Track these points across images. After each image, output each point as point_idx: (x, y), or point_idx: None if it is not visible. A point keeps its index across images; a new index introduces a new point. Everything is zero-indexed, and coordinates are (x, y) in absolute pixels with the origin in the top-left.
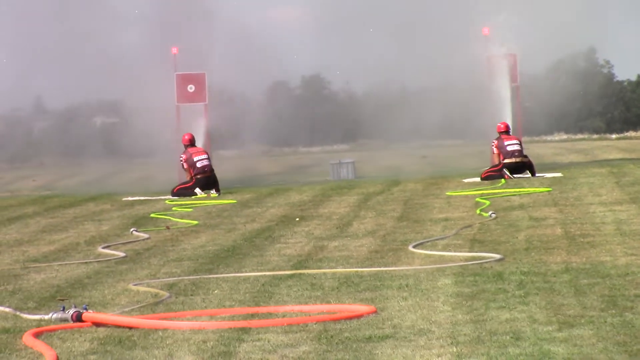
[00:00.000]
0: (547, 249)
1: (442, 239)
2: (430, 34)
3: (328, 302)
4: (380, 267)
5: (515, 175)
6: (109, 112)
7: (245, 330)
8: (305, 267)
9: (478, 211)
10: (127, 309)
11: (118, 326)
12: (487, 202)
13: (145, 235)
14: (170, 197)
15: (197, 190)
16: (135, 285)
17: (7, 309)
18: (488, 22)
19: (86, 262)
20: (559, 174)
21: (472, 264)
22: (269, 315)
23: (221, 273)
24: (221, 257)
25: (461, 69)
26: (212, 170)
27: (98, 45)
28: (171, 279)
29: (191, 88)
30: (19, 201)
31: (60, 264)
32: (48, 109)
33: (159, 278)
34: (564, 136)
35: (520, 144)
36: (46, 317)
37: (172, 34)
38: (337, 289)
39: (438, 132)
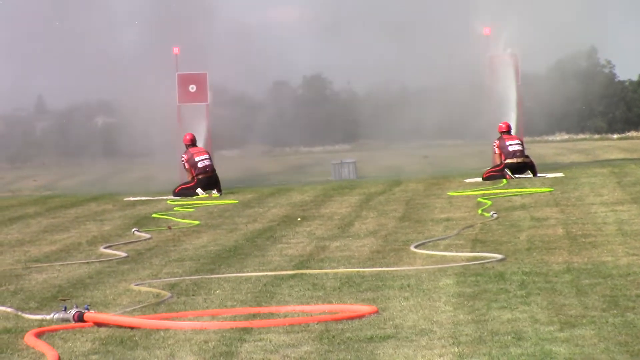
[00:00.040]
0: (548, 249)
1: (443, 239)
2: (431, 34)
3: (330, 302)
4: (381, 267)
5: (516, 176)
6: (109, 112)
7: (247, 330)
8: (307, 267)
9: (480, 211)
10: (128, 309)
11: (120, 326)
12: (489, 202)
13: (147, 236)
14: (172, 197)
15: (199, 190)
16: (137, 285)
17: (9, 309)
18: (489, 22)
19: (88, 262)
20: (560, 174)
21: (474, 264)
22: (270, 315)
23: (223, 273)
24: (223, 257)
25: (462, 69)
26: (213, 171)
27: (99, 45)
28: (173, 279)
29: (192, 88)
30: (20, 201)
31: (62, 264)
32: (49, 109)
33: (160, 278)
34: (566, 136)
35: (521, 144)
36: (48, 317)
37: (173, 34)
38: (339, 289)
39: (439, 132)
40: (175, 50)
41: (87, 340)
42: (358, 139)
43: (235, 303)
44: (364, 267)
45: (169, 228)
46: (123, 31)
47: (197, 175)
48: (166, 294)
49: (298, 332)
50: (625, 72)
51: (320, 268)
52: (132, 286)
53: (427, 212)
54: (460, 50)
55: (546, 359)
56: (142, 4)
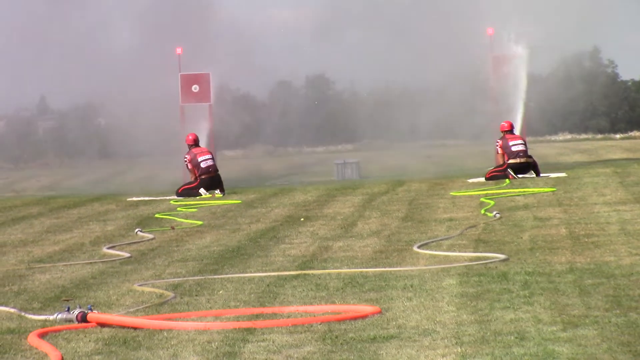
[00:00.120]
0: (551, 249)
1: (446, 239)
2: (434, 34)
3: (333, 303)
4: (384, 268)
5: (519, 176)
6: (112, 113)
7: (250, 330)
8: (310, 268)
9: (482, 211)
10: (132, 310)
11: (123, 327)
12: (492, 202)
13: (150, 236)
14: (175, 197)
15: (202, 190)
16: (140, 285)
17: (12, 310)
18: (492, 22)
19: (91, 263)
20: (563, 174)
21: (477, 264)
22: (273, 315)
23: (226, 273)
24: (226, 258)
25: (465, 69)
26: (216, 171)
27: (101, 45)
28: (176, 280)
29: (195, 88)
30: (24, 201)
31: (65, 265)
32: (52, 109)
33: (163, 278)
34: (568, 136)
35: (524, 144)
36: (51, 317)
37: (176, 34)
38: (342, 290)
39: (442, 132)
40: (178, 50)
41: (90, 341)
42: (361, 139)
43: (238, 303)
44: (367, 268)
45: (172, 228)
46: (126, 31)
47: (200, 175)
48: (169, 294)
49: (301, 333)
50: (628, 72)
51: (324, 268)
52: (135, 286)
53: (430, 212)
54: (463, 50)
55: (549, 359)
56: (145, 4)
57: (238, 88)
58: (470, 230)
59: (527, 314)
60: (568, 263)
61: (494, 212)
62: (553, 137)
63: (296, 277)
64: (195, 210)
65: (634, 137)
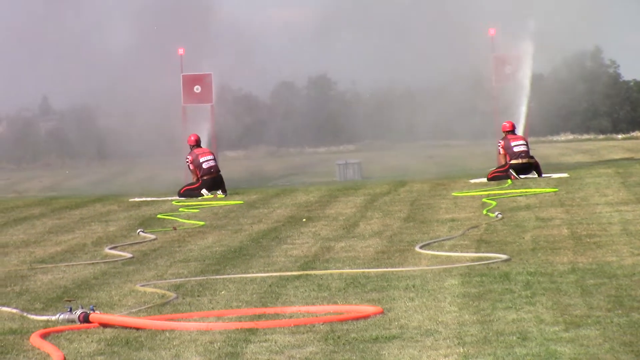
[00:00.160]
0: (553, 249)
1: (448, 239)
2: (436, 35)
3: (335, 303)
4: (387, 268)
5: (521, 176)
6: (114, 113)
7: (252, 331)
8: (312, 268)
9: (484, 212)
10: (134, 310)
11: (125, 327)
12: (494, 203)
13: (152, 236)
14: (177, 198)
15: (204, 191)
16: (142, 286)
17: (15, 310)
18: (494, 22)
19: (93, 263)
20: (565, 175)
21: (479, 264)
22: (276, 316)
23: (228, 274)
24: (228, 258)
25: (467, 70)
26: (218, 171)
27: (103, 45)
28: (178, 280)
29: (197, 89)
30: (26, 202)
31: (67, 265)
32: (54, 109)
33: (165, 279)
34: (570, 136)
35: (526, 144)
36: (53, 318)
37: (178, 34)
38: (344, 290)
39: (444, 133)
40: (180, 51)
41: (92, 341)
42: (363, 139)
43: (240, 304)
44: (369, 268)
45: (174, 229)
46: (127, 32)
47: (201, 176)
48: (171, 294)
49: (303, 333)
50: (630, 72)
51: (326, 269)
52: (138, 287)
53: (432, 212)
54: (464, 51)
55: (551, 359)
56: (146, 4)
57: (240, 88)
58: (472, 231)
59: (529, 314)
60: (570, 263)
61: (496, 213)
62: (555, 138)
63: (298, 277)
64: (197, 210)
65: (636, 138)
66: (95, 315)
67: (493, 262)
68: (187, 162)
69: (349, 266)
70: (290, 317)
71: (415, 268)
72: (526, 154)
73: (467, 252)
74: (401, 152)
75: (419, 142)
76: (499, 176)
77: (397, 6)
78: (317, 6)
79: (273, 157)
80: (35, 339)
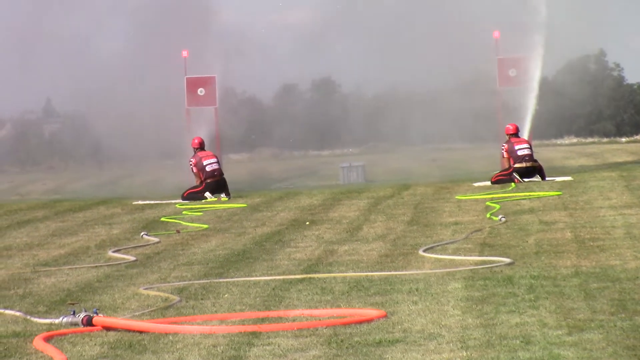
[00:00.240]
0: (557, 252)
1: (452, 243)
2: (440, 37)
3: (338, 307)
4: (390, 272)
5: (525, 179)
6: (117, 116)
7: (255, 334)
8: (316, 271)
9: (488, 215)
10: (137, 313)
11: (128, 330)
12: (497, 206)
13: (156, 239)
14: (181, 201)
15: (207, 194)
16: (145, 289)
17: (18, 313)
18: (499, 25)
19: (96, 266)
20: (569, 178)
21: (482, 268)
22: (279, 319)
23: (231, 277)
24: (231, 261)
25: (471, 73)
26: (221, 174)
27: (105, 48)
28: (181, 283)
29: (201, 91)
30: (29, 205)
31: (70, 268)
32: (58, 112)
33: (169, 282)
34: (574, 140)
35: (530, 148)
36: (56, 321)
37: (182, 37)
38: (347, 293)
39: (448, 136)
40: (184, 53)
41: (95, 344)
42: (367, 142)
43: (243, 307)
44: (372, 271)
45: (178, 232)
46: (131, 34)
47: (205, 179)
48: (175, 298)
49: (306, 337)
50: (634, 75)
51: (329, 272)
52: (141, 290)
53: (435, 216)
54: (469, 53)
55: None
56: (152, 7)
57: (244, 91)
58: (475, 234)
59: (532, 317)
60: (573, 267)
61: (500, 216)
62: (559, 141)
63: (301, 280)
64: (200, 213)
65: None
66: (99, 319)
67: (496, 266)
68: (191, 165)
69: (352, 269)
70: (294, 320)
71: (419, 271)
72: (530, 157)
73: (471, 255)
74: (405, 155)
75: (423, 145)
76: (502, 179)
77: (401, 9)
78: (321, 9)
79: (277, 160)
80: (38, 342)
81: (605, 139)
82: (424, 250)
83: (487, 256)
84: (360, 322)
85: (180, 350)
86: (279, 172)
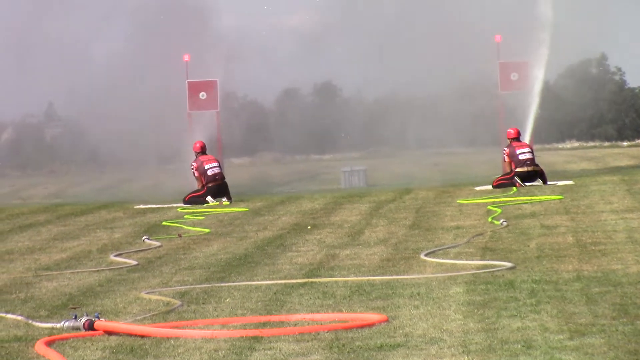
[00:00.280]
0: (558, 257)
1: (453, 247)
2: (442, 41)
3: (340, 311)
4: (391, 276)
5: (526, 184)
6: (119, 119)
7: (257, 339)
8: (317, 276)
9: (490, 219)
10: (139, 318)
11: (130, 335)
12: (499, 210)
13: (157, 244)
14: (182, 205)
15: (209, 198)
16: (147, 293)
17: (19, 317)
18: (500, 29)
19: (98, 270)
20: (570, 182)
21: (484, 272)
22: (280, 323)
23: (233, 281)
24: (233, 266)
25: (473, 76)
26: (223, 178)
27: (107, 51)
28: (183, 287)
29: (203, 95)
30: (31, 209)
31: (72, 272)
32: (59, 115)
33: (170, 286)
34: (576, 144)
35: (531, 152)
36: (58, 325)
37: (183, 41)
38: (349, 298)
39: (449, 140)
40: (186, 57)
41: (97, 349)
42: (368, 146)
43: (245, 311)
44: (374, 276)
45: (180, 236)
46: (132, 38)
47: (207, 183)
48: (176, 302)
49: (308, 341)
50: (636, 79)
51: (331, 276)
52: (143, 294)
53: (437, 220)
54: (470, 57)
55: None
56: (152, 12)
57: (246, 95)
58: (477, 238)
59: (534, 322)
60: (575, 271)
61: (501, 220)
62: (560, 145)
63: (303, 285)
64: (202, 217)
65: None
66: (100, 323)
67: (498, 270)
68: (192, 169)
69: (354, 274)
70: (295, 325)
71: (420, 276)
72: (531, 161)
73: (472, 259)
74: (406, 160)
75: (424, 149)
76: (504, 184)
77: (402, 13)
78: (322, 13)
79: (278, 164)
80: (40, 347)
81: (606, 143)
82: (426, 255)
83: (488, 260)
84: (362, 327)
85: (181, 355)
86: (280, 176)
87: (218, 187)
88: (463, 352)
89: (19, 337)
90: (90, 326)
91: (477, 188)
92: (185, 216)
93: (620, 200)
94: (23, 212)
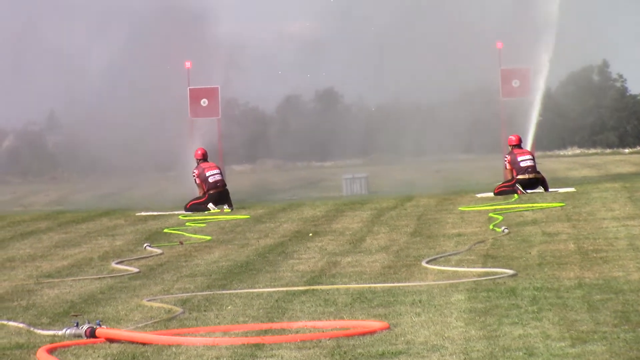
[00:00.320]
0: (560, 264)
1: (455, 254)
2: (443, 48)
3: (341, 318)
4: (393, 283)
5: (528, 191)
6: (120, 127)
7: (258, 346)
8: (319, 283)
9: (491, 226)
10: (140, 325)
11: (131, 342)
12: (500, 218)
13: (159, 251)
14: (184, 212)
15: (210, 205)
16: (148, 300)
17: (21, 325)
18: (501, 36)
19: (99, 278)
20: (572, 189)
21: (485, 279)
22: (282, 331)
23: (234, 289)
24: (234, 273)
25: (474, 83)
26: (224, 185)
27: (109, 59)
28: (184, 295)
29: (204, 102)
30: (32, 216)
31: (73, 280)
32: (60, 123)
33: (172, 294)
34: (577, 150)
35: (533, 159)
36: (60, 332)
37: (184, 48)
38: (351, 305)
39: (451, 147)
40: (187, 64)
41: (99, 356)
42: (370, 153)
43: (247, 319)
44: (375, 283)
45: (181, 243)
46: (133, 44)
47: (208, 190)
48: (178, 309)
49: (310, 348)
50: (637, 86)
51: (332, 284)
52: (144, 302)
53: (438, 227)
54: (472, 64)
55: None
56: (154, 19)
57: (247, 102)
58: (478, 246)
59: (535, 329)
60: (576, 278)
61: (503, 228)
62: (562, 152)
63: (305, 292)
64: (203, 225)
65: None
66: (102, 330)
67: (499, 277)
68: (194, 176)
69: (355, 281)
70: (297, 332)
71: (422, 283)
72: (533, 169)
73: (474, 267)
74: (408, 167)
75: (426, 156)
76: (505, 191)
77: (403, 20)
78: (323, 19)
79: (280, 171)
80: (41, 354)
81: (608, 150)
82: (427, 262)
83: (490, 267)
84: (364, 334)
85: None
86: (281, 183)
87: (219, 194)
88: (465, 359)
89: (21, 345)
90: (91, 333)
91: (479, 195)
92: (187, 223)
93: (622, 208)
94: (24, 219)
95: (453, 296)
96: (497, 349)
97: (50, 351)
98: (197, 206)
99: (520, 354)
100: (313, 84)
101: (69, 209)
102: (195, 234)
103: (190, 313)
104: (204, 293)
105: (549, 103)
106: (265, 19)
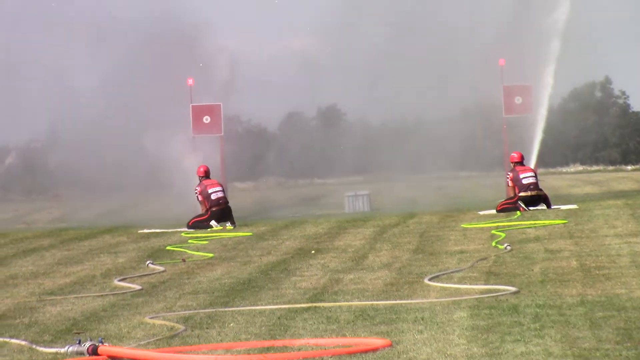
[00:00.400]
0: (562, 281)
1: (457, 271)
2: (446, 66)
3: (344, 336)
4: (395, 300)
5: (530, 208)
6: (122, 144)
7: None
8: (321, 300)
9: (493, 244)
10: (142, 342)
11: None
12: (503, 235)
13: (161, 268)
14: (186, 229)
15: (213, 222)
16: (151, 318)
17: (23, 342)
18: (504, 53)
19: (102, 295)
20: (574, 206)
21: (488, 296)
22: (284, 348)
23: (237, 306)
24: (237, 290)
25: (477, 100)
26: (227, 203)
27: (111, 76)
28: (187, 312)
29: (207, 119)
30: (35, 233)
31: (76, 297)
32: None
33: (174, 311)
34: (580, 167)
35: (535, 176)
36: (62, 350)
37: (188, 65)
38: (353, 322)
39: (454, 164)
40: (190, 81)
41: None
42: (372, 170)
43: (249, 336)
44: (377, 300)
45: (183, 261)
46: (137, 61)
47: (210, 207)
48: (180, 327)
49: None
50: None
51: (334, 301)
52: (146, 319)
53: (441, 244)
54: (474, 81)
55: None
56: (157, 37)
57: (249, 119)
58: (481, 263)
59: (537, 347)
60: (579, 295)
61: (505, 245)
62: (564, 169)
63: (307, 309)
64: (206, 242)
65: None
66: (104, 348)
67: (502, 295)
68: (196, 193)
69: (357, 298)
70: (299, 349)
71: (424, 300)
72: (535, 186)
73: (476, 284)
74: (410, 184)
75: (429, 173)
76: (508, 208)
77: (406, 37)
78: (323, 37)
79: (282, 188)
80: None
81: (610, 167)
82: (430, 279)
83: (492, 285)
84: (366, 351)
85: None
86: (284, 200)
87: (222, 212)
88: None
89: None
90: (94, 351)
91: (481, 212)
92: (189, 241)
93: (624, 225)
94: (27, 236)
95: (455, 313)
96: None
97: None
98: (199, 223)
99: None
100: (316, 101)
101: (71, 226)
102: (197, 251)
103: (192, 330)
104: (207, 310)
105: (551, 120)
106: (268, 35)
